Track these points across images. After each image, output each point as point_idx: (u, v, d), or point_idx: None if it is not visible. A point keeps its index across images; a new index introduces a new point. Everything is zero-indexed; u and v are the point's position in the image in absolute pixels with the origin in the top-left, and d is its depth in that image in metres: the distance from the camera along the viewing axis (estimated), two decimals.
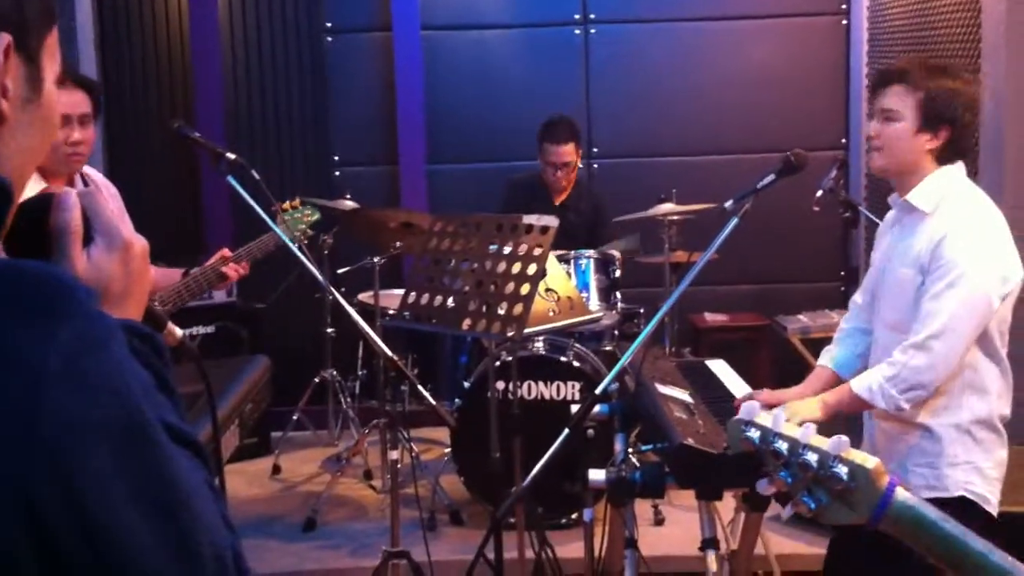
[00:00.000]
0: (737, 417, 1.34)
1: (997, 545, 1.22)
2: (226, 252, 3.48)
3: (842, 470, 1.24)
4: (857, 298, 3.00)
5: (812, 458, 1.26)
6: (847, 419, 3.06)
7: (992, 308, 2.58)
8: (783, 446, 1.29)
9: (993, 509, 2.66)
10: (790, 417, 2.66)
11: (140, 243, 1.02)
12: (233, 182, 3.21)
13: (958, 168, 2.71)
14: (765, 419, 1.32)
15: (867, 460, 1.25)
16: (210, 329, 5.30)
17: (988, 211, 2.68)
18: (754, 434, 1.32)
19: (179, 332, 1.33)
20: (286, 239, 3.31)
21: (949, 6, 4.44)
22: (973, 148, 2.78)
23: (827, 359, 2.95)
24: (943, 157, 2.69)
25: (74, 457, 0.78)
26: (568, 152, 5.04)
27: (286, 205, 3.69)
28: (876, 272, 2.88)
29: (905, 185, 2.72)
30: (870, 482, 1.23)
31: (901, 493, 1.23)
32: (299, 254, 3.19)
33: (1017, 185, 3.87)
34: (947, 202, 2.65)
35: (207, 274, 3.41)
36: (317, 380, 5.42)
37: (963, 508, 2.59)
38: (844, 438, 1.27)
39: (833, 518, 1.27)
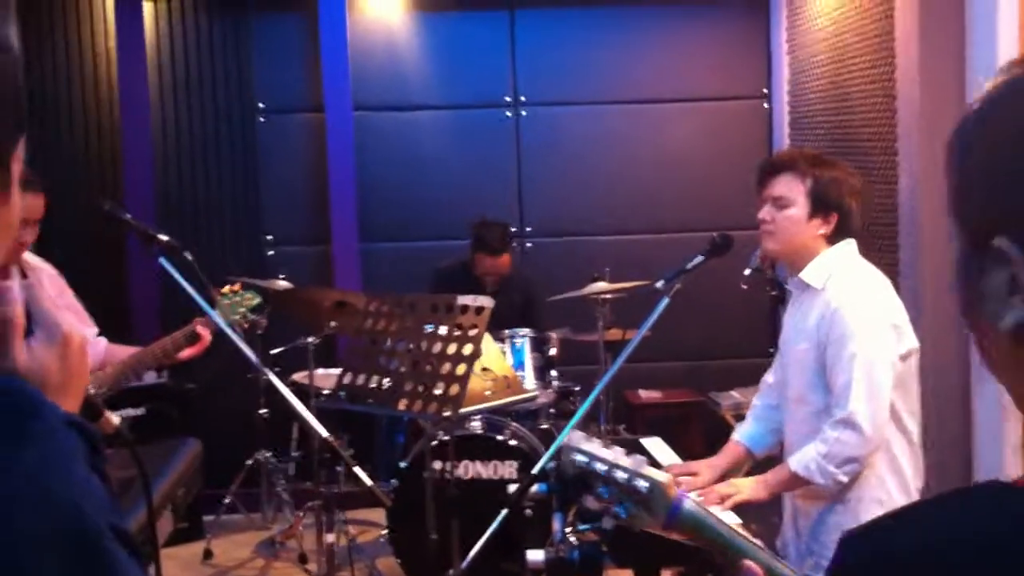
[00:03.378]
0: (566, 444, 1.57)
1: None
2: (199, 320, 3.45)
3: (642, 484, 1.47)
4: (768, 377, 3.11)
5: (621, 476, 1.49)
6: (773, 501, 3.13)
7: (896, 368, 2.69)
8: (601, 467, 1.52)
9: None
10: (734, 493, 2.74)
11: (79, 336, 1.03)
12: (166, 264, 3.20)
13: (847, 244, 2.84)
14: (589, 445, 1.54)
15: (659, 475, 1.47)
16: (140, 411, 5.21)
17: (874, 279, 2.81)
18: (580, 458, 1.54)
19: (115, 420, 1.33)
20: (222, 323, 3.29)
21: (866, 91, 4.62)
22: (860, 230, 2.92)
23: (740, 435, 3.07)
24: (832, 240, 2.82)
25: (26, 572, 0.79)
26: (504, 263, 5.15)
27: (226, 289, 3.67)
28: (782, 350, 2.98)
29: (797, 266, 2.84)
30: (663, 493, 1.46)
31: (687, 503, 1.46)
32: (233, 336, 3.18)
33: (933, 262, 4.00)
34: (836, 276, 2.78)
35: (176, 340, 3.37)
36: (250, 462, 5.34)
37: None
38: (640, 457, 1.50)
39: (639, 523, 1.50)
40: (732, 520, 2.61)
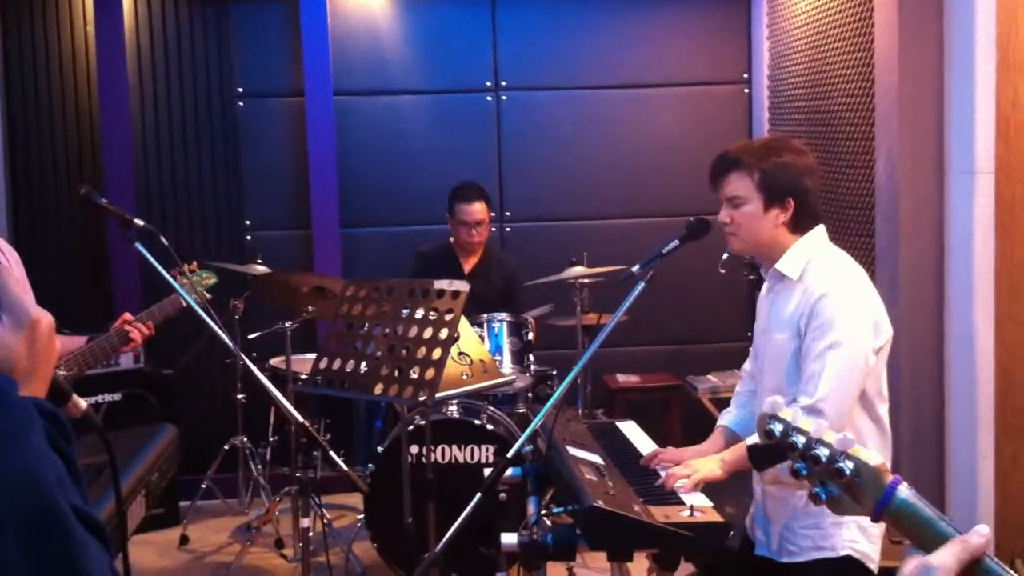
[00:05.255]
0: (763, 411, 1.44)
1: None
2: (128, 316, 3.44)
3: (847, 465, 1.32)
4: (747, 366, 3.12)
5: (823, 452, 1.35)
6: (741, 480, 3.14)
7: (869, 363, 2.68)
8: (800, 439, 1.38)
9: (875, 566, 2.75)
10: (691, 473, 2.74)
11: (47, 320, 1.03)
12: (141, 248, 3.19)
13: (819, 231, 2.83)
14: (786, 414, 1.41)
15: (871, 458, 1.32)
16: (117, 396, 5.19)
17: (852, 269, 2.80)
18: (776, 427, 1.41)
19: (83, 404, 1.33)
20: (190, 300, 3.28)
21: (845, 77, 4.63)
22: (820, 210, 2.92)
23: (726, 420, 3.07)
24: (797, 226, 2.80)
25: None
26: (479, 210, 5.12)
27: (184, 268, 3.66)
28: (757, 339, 2.98)
29: (771, 258, 2.84)
30: (874, 479, 1.31)
31: (903, 491, 1.31)
32: (207, 318, 3.16)
33: (911, 245, 4.02)
34: (812, 265, 2.76)
35: (109, 337, 3.36)
36: (227, 447, 5.34)
37: (849, 567, 2.67)
38: (850, 436, 1.35)
39: (843, 510, 1.36)
40: (703, 502, 2.62)
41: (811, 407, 2.61)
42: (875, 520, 1.32)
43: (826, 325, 2.65)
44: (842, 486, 1.34)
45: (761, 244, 2.82)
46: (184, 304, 3.41)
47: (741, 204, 2.80)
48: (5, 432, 0.83)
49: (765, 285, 2.96)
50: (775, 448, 1.42)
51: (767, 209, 2.77)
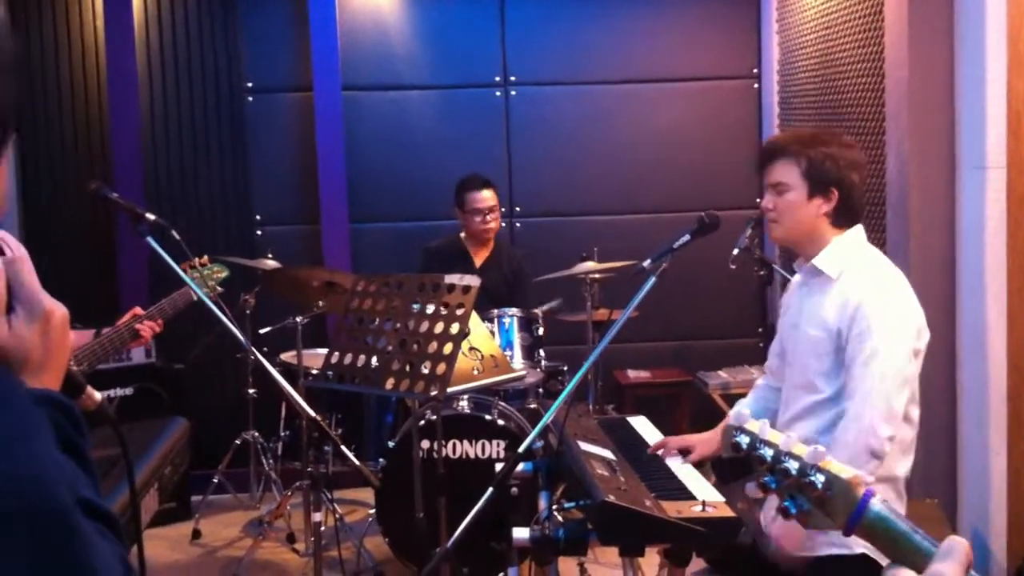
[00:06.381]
0: (728, 423, 1.41)
1: None
2: (138, 310, 3.45)
3: (818, 478, 1.30)
4: (770, 361, 3.11)
5: (792, 465, 1.32)
6: None
7: (912, 367, 2.68)
8: (768, 452, 1.35)
9: None
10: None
11: (60, 312, 1.03)
12: (153, 243, 3.19)
13: (858, 232, 2.83)
14: (753, 426, 1.38)
15: (843, 471, 1.29)
16: (128, 391, 5.21)
17: (893, 273, 2.80)
18: (743, 439, 1.38)
19: (98, 396, 1.33)
20: (202, 294, 3.29)
21: (855, 71, 4.62)
22: (864, 209, 2.92)
23: (738, 410, 3.05)
24: (838, 220, 2.80)
25: None
26: (489, 197, 5.14)
27: (194, 262, 3.67)
28: (785, 334, 2.97)
29: (808, 252, 2.83)
30: (845, 492, 1.28)
31: (875, 503, 1.28)
32: (219, 312, 3.17)
33: (922, 240, 4.01)
34: (852, 267, 2.76)
35: (120, 333, 3.37)
36: (238, 442, 5.35)
37: (864, 565, 2.66)
38: (821, 448, 1.32)
39: (814, 523, 1.33)
40: (715, 497, 2.61)
41: (858, 414, 2.62)
42: (847, 534, 1.29)
43: (868, 332, 2.65)
44: (813, 500, 1.31)
45: (802, 233, 2.82)
46: (194, 298, 3.42)
47: (785, 191, 2.80)
48: (10, 433, 0.83)
49: (797, 279, 2.95)
50: (742, 461, 1.39)
51: (811, 198, 2.78)
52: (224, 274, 3.85)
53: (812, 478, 1.31)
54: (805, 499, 1.32)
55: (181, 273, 3.26)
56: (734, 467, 1.39)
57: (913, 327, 2.70)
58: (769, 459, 1.35)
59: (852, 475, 1.29)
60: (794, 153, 2.79)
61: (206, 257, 3.82)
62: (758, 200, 6.02)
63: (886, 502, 1.29)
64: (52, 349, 1.02)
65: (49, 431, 0.88)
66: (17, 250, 3.22)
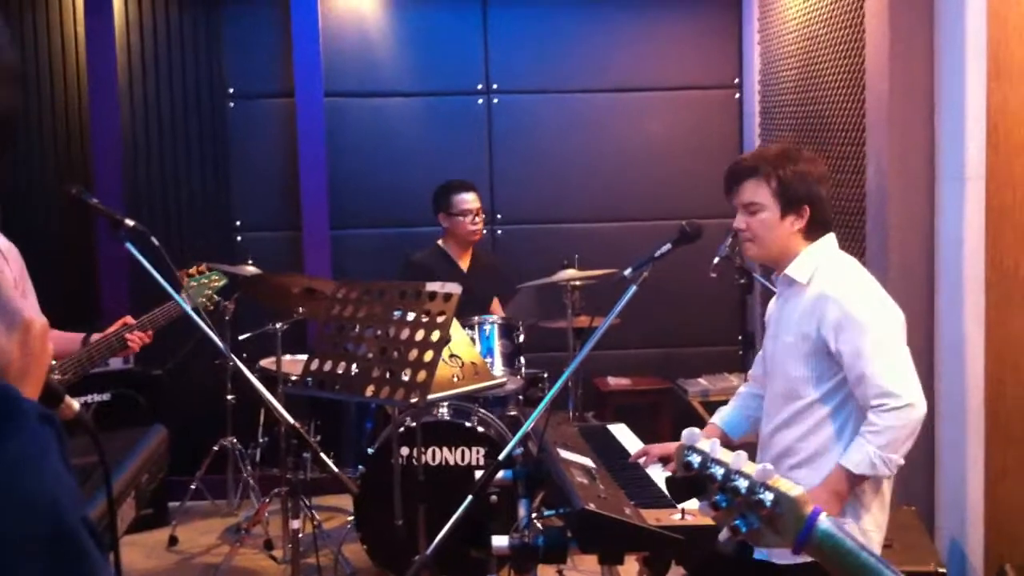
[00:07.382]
0: (680, 443, 1.41)
1: None
2: (128, 319, 3.42)
3: (767, 496, 1.30)
4: (752, 370, 3.13)
5: (742, 484, 1.32)
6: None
7: (903, 335, 2.73)
8: (718, 471, 1.34)
9: None
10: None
11: (40, 322, 1.03)
12: (132, 249, 3.17)
13: (829, 238, 2.87)
14: (704, 445, 1.38)
15: (792, 489, 1.29)
16: (106, 396, 5.18)
17: (862, 271, 2.85)
18: (695, 458, 1.38)
19: (76, 405, 1.32)
20: (187, 308, 3.26)
21: (835, 82, 4.65)
22: (833, 218, 2.96)
23: (719, 417, 3.11)
24: (810, 233, 2.84)
25: (5, 570, 0.79)
26: (475, 199, 5.15)
27: (192, 271, 3.65)
28: (767, 347, 3.00)
29: (783, 266, 2.86)
30: (794, 509, 1.28)
31: (823, 522, 1.27)
32: (200, 322, 3.15)
33: (901, 251, 4.04)
34: (821, 270, 2.80)
35: (109, 343, 3.35)
36: (216, 448, 5.32)
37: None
38: (770, 467, 1.32)
39: (764, 542, 1.32)
40: (694, 505, 2.61)
41: (882, 402, 2.63)
42: (796, 552, 1.28)
43: (847, 321, 2.68)
44: (762, 518, 1.31)
45: (777, 251, 2.86)
46: (182, 310, 3.39)
47: (758, 211, 2.82)
48: (25, 456, 0.84)
49: (775, 295, 2.98)
50: (694, 480, 1.38)
51: (783, 216, 2.81)
52: (222, 283, 3.83)
53: (761, 496, 1.30)
54: (755, 517, 1.31)
55: (162, 281, 3.22)
56: (687, 486, 1.39)
57: (889, 305, 2.74)
58: (720, 478, 1.34)
59: (800, 492, 1.28)
60: (764, 173, 2.82)
61: (204, 265, 3.79)
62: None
63: (834, 520, 1.28)
64: (31, 359, 1.02)
65: (56, 449, 0.89)
66: (9, 252, 3.16)
